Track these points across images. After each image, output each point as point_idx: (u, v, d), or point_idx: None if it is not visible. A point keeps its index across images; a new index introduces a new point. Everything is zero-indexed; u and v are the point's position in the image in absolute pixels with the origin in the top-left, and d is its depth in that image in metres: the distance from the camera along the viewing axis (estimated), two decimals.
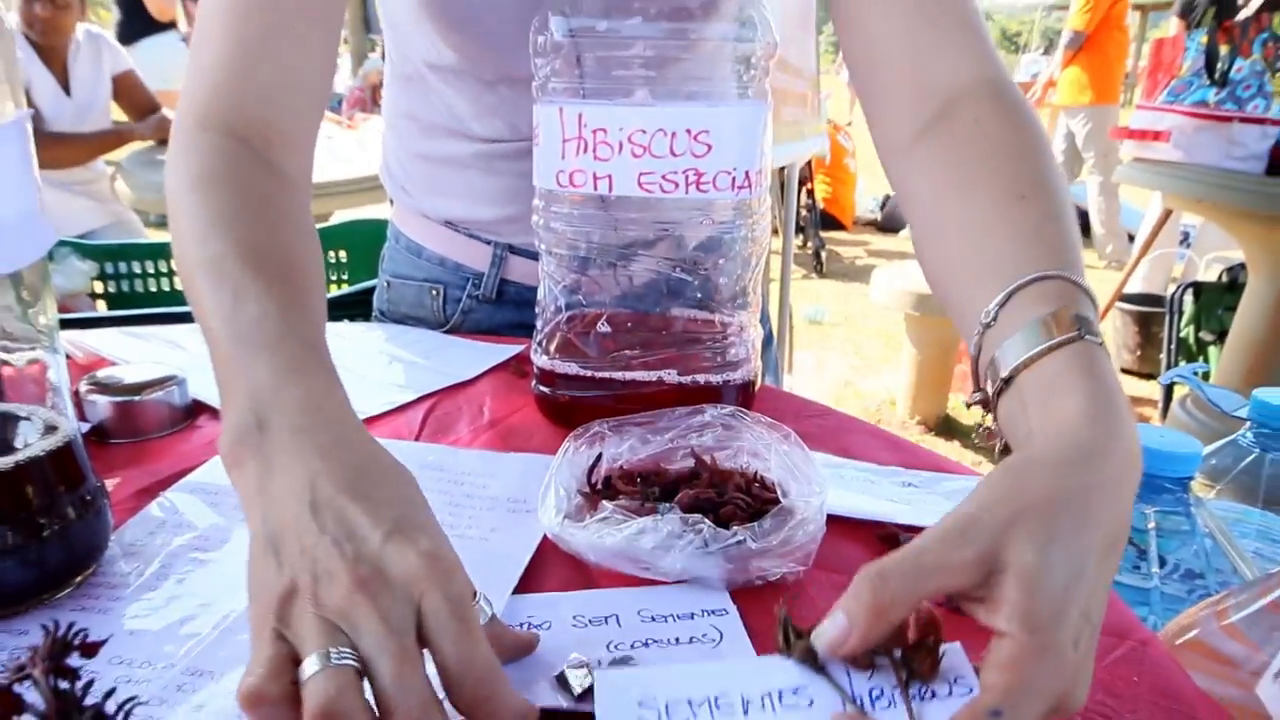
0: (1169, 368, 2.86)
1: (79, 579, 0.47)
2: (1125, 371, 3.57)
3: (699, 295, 0.67)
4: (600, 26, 0.58)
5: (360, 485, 0.36)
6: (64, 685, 0.31)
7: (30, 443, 0.45)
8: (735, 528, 0.46)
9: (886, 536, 0.54)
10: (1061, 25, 4.94)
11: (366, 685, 0.31)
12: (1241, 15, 2.45)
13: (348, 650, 0.31)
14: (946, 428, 2.98)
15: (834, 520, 0.52)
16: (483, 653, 0.33)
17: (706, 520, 0.46)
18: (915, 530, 0.52)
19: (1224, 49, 2.24)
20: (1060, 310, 0.42)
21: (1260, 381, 2.24)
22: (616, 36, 0.59)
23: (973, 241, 0.50)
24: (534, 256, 0.70)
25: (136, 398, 0.64)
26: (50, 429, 0.46)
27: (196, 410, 0.69)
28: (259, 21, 0.59)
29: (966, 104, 0.56)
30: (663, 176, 0.58)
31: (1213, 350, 2.81)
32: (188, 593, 0.46)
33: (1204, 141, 2.14)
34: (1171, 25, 4.20)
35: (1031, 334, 0.42)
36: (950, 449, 2.83)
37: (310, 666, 0.31)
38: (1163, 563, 0.66)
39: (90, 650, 0.34)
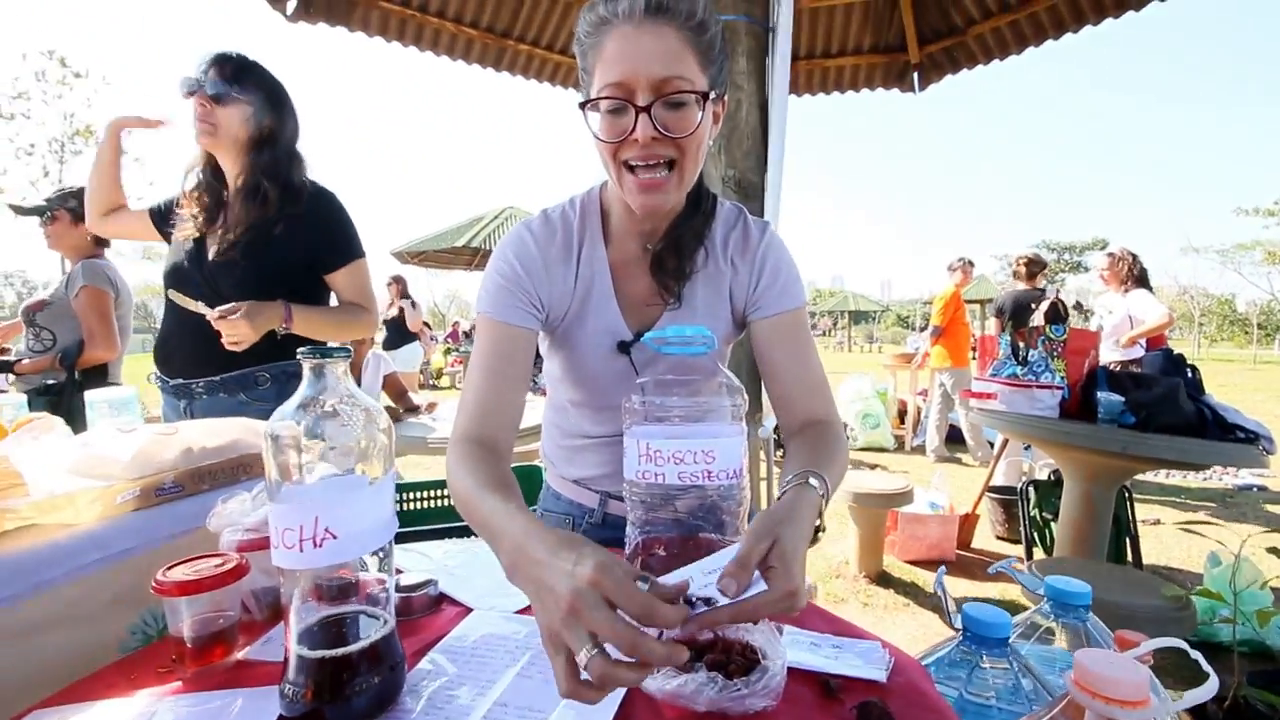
0: (1026, 538, 2.73)
1: (390, 708, 0.51)
2: (999, 538, 3.37)
3: (712, 528, 0.67)
4: (656, 400, 0.66)
5: (558, 558, 0.45)
6: None
7: (374, 631, 0.52)
8: (736, 680, 0.50)
9: (822, 681, 0.56)
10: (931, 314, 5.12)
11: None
12: (1031, 324, 2.58)
13: (592, 644, 0.41)
14: (884, 579, 2.80)
15: (792, 670, 0.56)
16: (639, 592, 0.42)
17: (720, 675, 0.50)
18: (840, 677, 0.56)
19: (1022, 344, 2.35)
20: (801, 475, 0.60)
21: (1083, 549, 2.14)
22: (665, 403, 0.66)
23: (793, 464, 0.66)
24: (621, 499, 0.76)
25: (412, 594, 0.68)
26: (385, 622, 0.53)
27: (441, 599, 0.71)
28: (489, 388, 0.73)
29: (816, 426, 0.76)
30: (690, 473, 0.61)
31: (1053, 524, 2.69)
32: (444, 715, 0.50)
33: (1017, 399, 2.17)
34: (991, 323, 4.37)
35: (786, 486, 0.60)
36: (887, 595, 2.65)
37: (583, 659, 0.41)
38: (996, 690, 0.65)
39: None
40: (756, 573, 0.48)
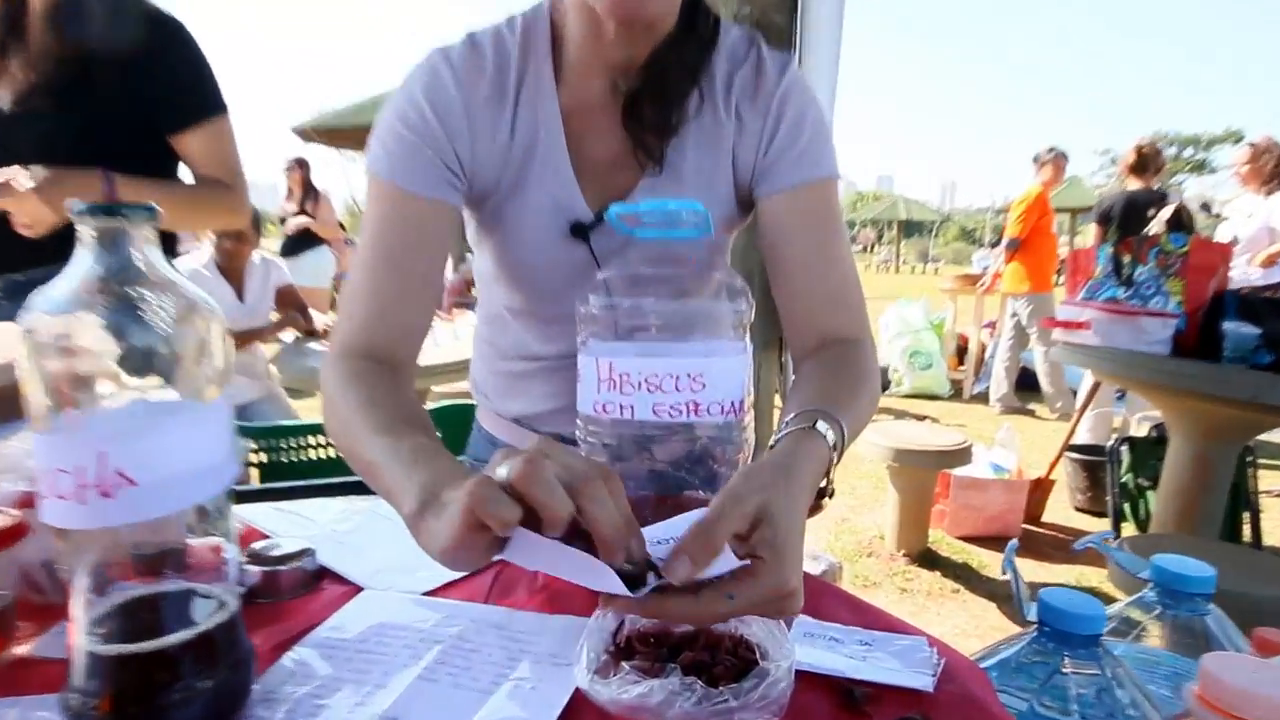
0: (1114, 510, 2.77)
1: (232, 718, 0.48)
2: (1079, 510, 3.45)
3: (701, 483, 0.66)
4: (625, 304, 0.62)
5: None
6: None
7: (208, 617, 0.47)
8: (723, 687, 0.47)
9: (845, 690, 0.53)
10: (1006, 223, 5.05)
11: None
12: (1142, 233, 2.52)
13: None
14: (928, 559, 2.88)
15: (803, 675, 0.53)
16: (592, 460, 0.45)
17: (700, 681, 0.47)
18: (869, 684, 0.53)
19: (1127, 257, 2.29)
20: (806, 414, 0.58)
21: (1189, 525, 2.17)
22: (638, 307, 0.62)
23: (800, 398, 0.64)
24: (576, 444, 0.73)
25: (280, 568, 0.66)
26: (222, 604, 0.48)
27: (321, 575, 0.69)
28: (390, 288, 0.69)
29: (838, 347, 0.74)
30: (670, 406, 0.60)
31: (1150, 494, 2.73)
32: None
33: (1118, 330, 2.14)
34: (1090, 230, 4.31)
35: (784, 429, 0.58)
36: (932, 578, 2.73)
37: (503, 471, 0.44)
38: (1080, 703, 0.64)
39: None
40: (728, 550, 0.45)
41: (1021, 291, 4.86)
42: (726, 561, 0.45)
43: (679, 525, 0.49)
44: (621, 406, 0.62)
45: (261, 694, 0.51)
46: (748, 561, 0.45)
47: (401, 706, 0.50)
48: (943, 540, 3.06)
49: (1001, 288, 5.06)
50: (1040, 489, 3.28)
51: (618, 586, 0.45)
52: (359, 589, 0.67)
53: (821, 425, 0.58)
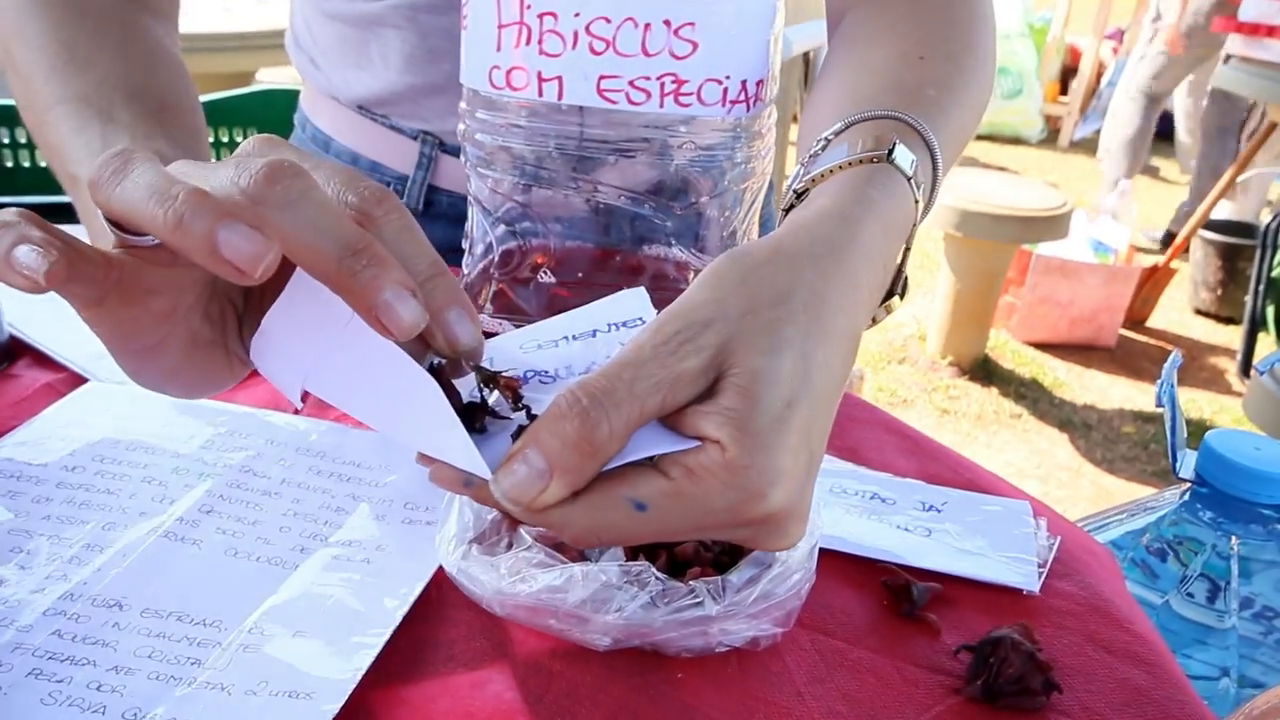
0: (1254, 311, 2.85)
1: None
2: (1199, 313, 3.55)
3: (675, 237, 0.65)
4: None
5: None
6: None
7: None
8: (694, 580, 0.43)
9: (895, 585, 0.51)
10: None
11: None
12: None
13: None
14: (984, 371, 3.00)
15: (828, 557, 0.52)
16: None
17: (653, 568, 0.43)
18: (934, 576, 0.53)
19: None
20: (882, 137, 0.46)
21: None
22: None
23: (850, 85, 0.55)
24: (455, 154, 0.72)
25: None
26: None
27: (15, 352, 0.68)
28: None
29: None
30: (630, 83, 0.56)
31: None
32: None
33: None
34: None
35: (838, 153, 0.46)
36: (986, 397, 2.86)
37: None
38: (1246, 603, 0.66)
39: None
40: (659, 430, 0.36)
41: None
42: (655, 439, 0.36)
43: (581, 324, 0.44)
44: (541, 78, 0.58)
45: None
46: (693, 443, 0.35)
47: (127, 583, 0.47)
48: (1006, 346, 3.15)
49: None
50: (1155, 281, 3.35)
51: (462, 450, 0.35)
52: (79, 379, 0.67)
53: (901, 152, 0.46)
